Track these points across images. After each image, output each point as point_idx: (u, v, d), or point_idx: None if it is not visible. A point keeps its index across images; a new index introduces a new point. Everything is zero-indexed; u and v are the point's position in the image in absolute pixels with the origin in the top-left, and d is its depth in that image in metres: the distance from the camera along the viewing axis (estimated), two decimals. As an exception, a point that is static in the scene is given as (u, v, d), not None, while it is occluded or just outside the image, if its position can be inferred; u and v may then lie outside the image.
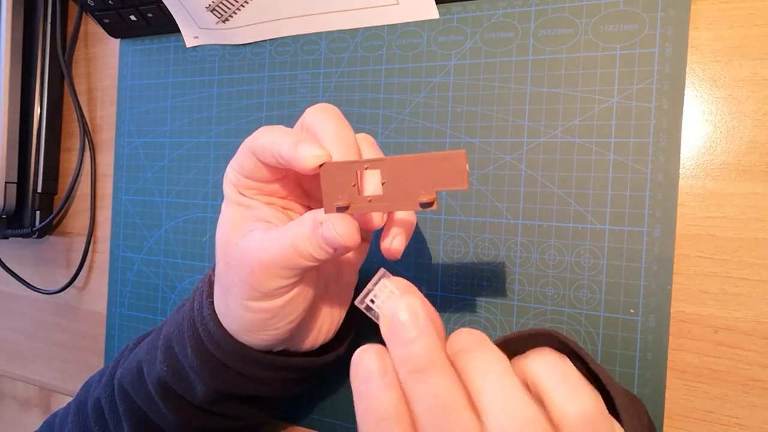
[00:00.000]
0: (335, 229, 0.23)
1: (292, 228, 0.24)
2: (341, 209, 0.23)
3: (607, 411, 0.20)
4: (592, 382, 0.23)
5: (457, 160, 0.21)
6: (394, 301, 0.21)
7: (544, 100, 0.32)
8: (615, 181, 0.30)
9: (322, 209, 0.24)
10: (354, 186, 0.23)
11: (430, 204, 0.22)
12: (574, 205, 0.31)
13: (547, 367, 0.21)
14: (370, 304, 0.23)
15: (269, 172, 0.26)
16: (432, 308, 0.22)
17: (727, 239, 0.28)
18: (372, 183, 0.24)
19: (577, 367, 0.22)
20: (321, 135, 0.25)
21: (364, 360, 0.21)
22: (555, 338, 0.25)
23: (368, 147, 0.26)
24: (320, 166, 0.23)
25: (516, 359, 0.22)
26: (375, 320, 0.23)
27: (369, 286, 0.23)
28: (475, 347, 0.21)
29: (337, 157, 0.24)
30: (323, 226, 0.23)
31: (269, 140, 0.24)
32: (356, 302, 0.24)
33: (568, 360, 0.22)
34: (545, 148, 0.32)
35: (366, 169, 0.23)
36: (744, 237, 0.28)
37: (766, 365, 0.28)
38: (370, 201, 0.23)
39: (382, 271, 0.24)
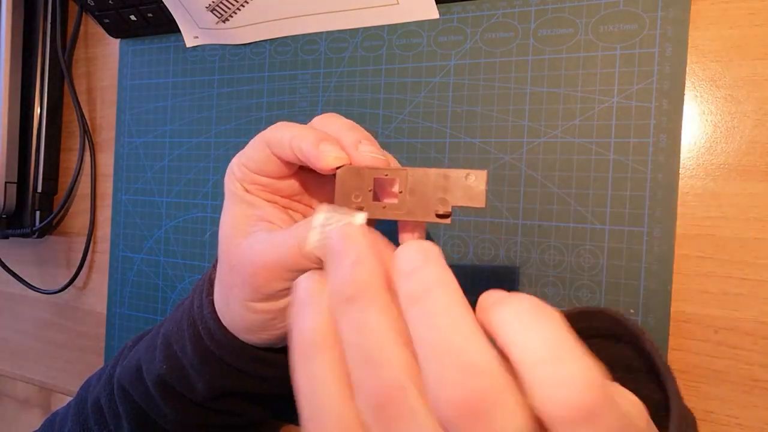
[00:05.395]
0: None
1: (299, 229, 0.24)
2: None
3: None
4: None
5: (477, 179, 0.21)
6: (336, 227, 0.20)
7: (544, 100, 0.32)
8: (615, 181, 0.30)
9: None
10: (369, 191, 0.23)
11: (445, 217, 0.22)
12: (574, 205, 0.31)
13: (518, 318, 0.16)
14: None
15: (281, 167, 0.26)
16: (377, 234, 0.20)
17: (727, 239, 0.28)
18: (388, 190, 0.24)
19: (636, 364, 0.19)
20: (334, 133, 0.25)
21: (301, 284, 0.20)
22: (613, 318, 0.21)
23: (346, 130, 0.26)
24: (338, 167, 0.23)
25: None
26: None
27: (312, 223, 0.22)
28: (421, 267, 0.17)
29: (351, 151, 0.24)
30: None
31: (289, 134, 0.24)
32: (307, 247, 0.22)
33: (556, 317, 0.16)
34: (545, 148, 0.32)
35: (385, 176, 0.23)
36: (744, 237, 0.28)
37: (766, 365, 0.27)
38: (384, 207, 0.23)
39: (321, 206, 0.22)
